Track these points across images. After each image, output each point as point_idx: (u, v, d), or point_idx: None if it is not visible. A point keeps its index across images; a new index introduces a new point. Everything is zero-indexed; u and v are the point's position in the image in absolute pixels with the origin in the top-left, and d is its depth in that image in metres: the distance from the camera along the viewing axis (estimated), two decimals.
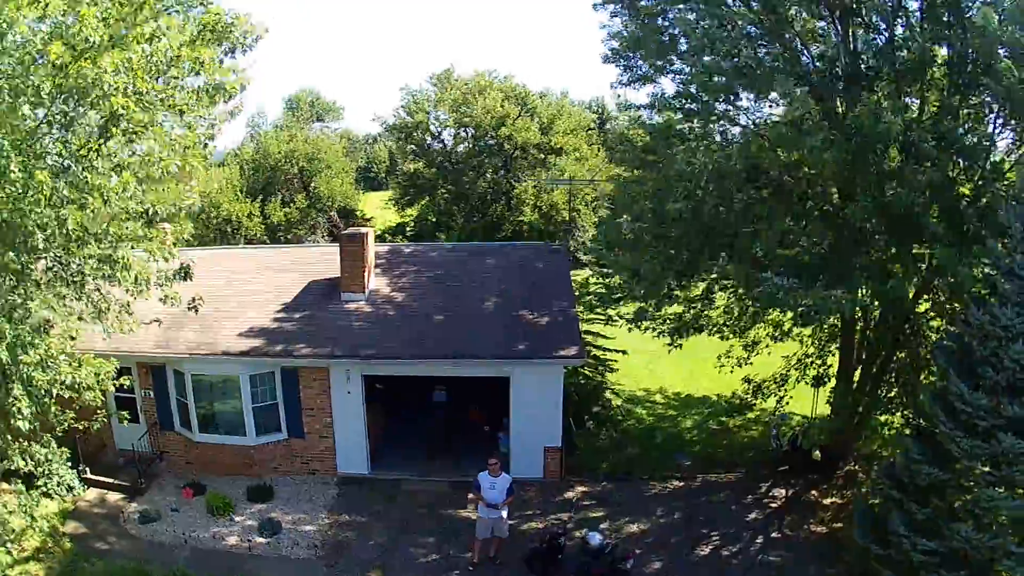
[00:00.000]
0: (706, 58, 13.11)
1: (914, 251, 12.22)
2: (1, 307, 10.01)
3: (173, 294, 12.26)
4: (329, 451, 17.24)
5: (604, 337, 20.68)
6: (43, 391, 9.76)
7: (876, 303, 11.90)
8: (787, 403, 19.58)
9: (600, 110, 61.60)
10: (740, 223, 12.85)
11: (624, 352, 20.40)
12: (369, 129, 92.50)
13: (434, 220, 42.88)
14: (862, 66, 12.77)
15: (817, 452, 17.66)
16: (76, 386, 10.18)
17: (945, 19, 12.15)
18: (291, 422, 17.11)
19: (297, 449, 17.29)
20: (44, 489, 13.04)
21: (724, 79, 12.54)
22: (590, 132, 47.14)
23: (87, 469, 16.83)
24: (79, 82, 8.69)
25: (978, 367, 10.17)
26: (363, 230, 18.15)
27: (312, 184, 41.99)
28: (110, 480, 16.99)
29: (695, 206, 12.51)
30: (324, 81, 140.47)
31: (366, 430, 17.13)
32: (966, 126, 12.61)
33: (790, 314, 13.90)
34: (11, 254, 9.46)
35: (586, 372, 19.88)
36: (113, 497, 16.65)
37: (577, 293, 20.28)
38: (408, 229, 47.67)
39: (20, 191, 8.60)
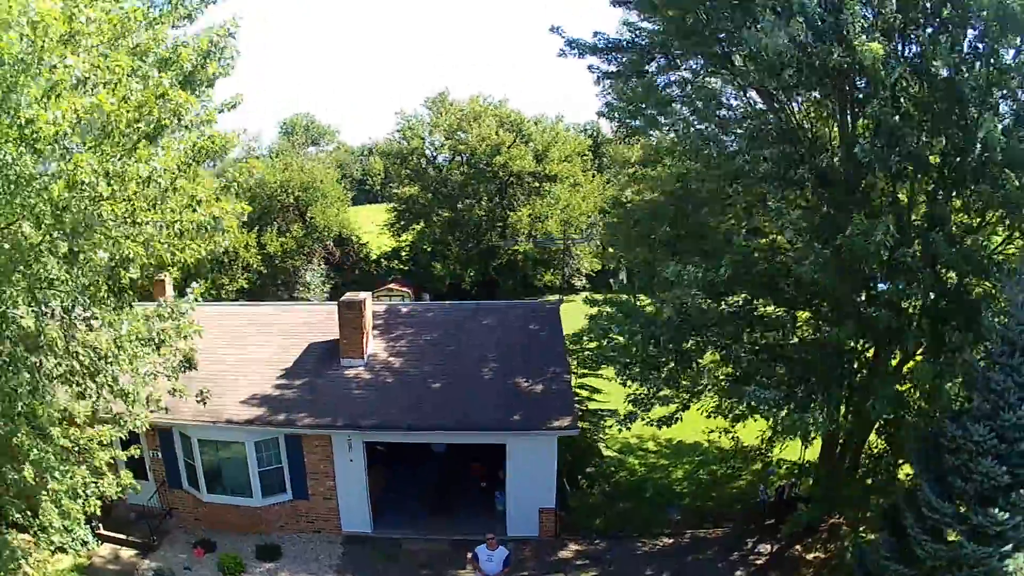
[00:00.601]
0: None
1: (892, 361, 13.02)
2: (20, 411, 10.66)
3: (181, 387, 13.04)
4: (333, 512, 18.00)
5: (598, 391, 21.49)
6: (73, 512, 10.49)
7: (851, 418, 12.68)
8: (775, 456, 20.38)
9: (595, 134, 62.39)
10: (727, 329, 13.68)
11: (615, 411, 21.13)
12: (364, 139, 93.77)
13: (429, 249, 43.65)
14: (859, 157, 13.40)
15: (803, 506, 18.47)
16: (102, 496, 10.97)
17: (944, 110, 12.78)
18: (296, 484, 17.86)
19: (302, 509, 18.05)
20: (59, 543, 13.82)
21: (715, 184, 13.40)
22: (584, 158, 47.91)
23: (100, 524, 17.50)
24: (78, 218, 9.16)
25: (949, 475, 10.99)
26: (361, 296, 18.83)
27: (308, 213, 42.68)
28: (123, 536, 17.64)
29: (683, 311, 13.33)
30: (319, 90, 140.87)
31: (368, 492, 17.90)
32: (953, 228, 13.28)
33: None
34: (25, 374, 10.10)
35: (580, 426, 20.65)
36: (126, 553, 17.34)
37: (571, 346, 21.04)
38: (403, 254, 48.48)
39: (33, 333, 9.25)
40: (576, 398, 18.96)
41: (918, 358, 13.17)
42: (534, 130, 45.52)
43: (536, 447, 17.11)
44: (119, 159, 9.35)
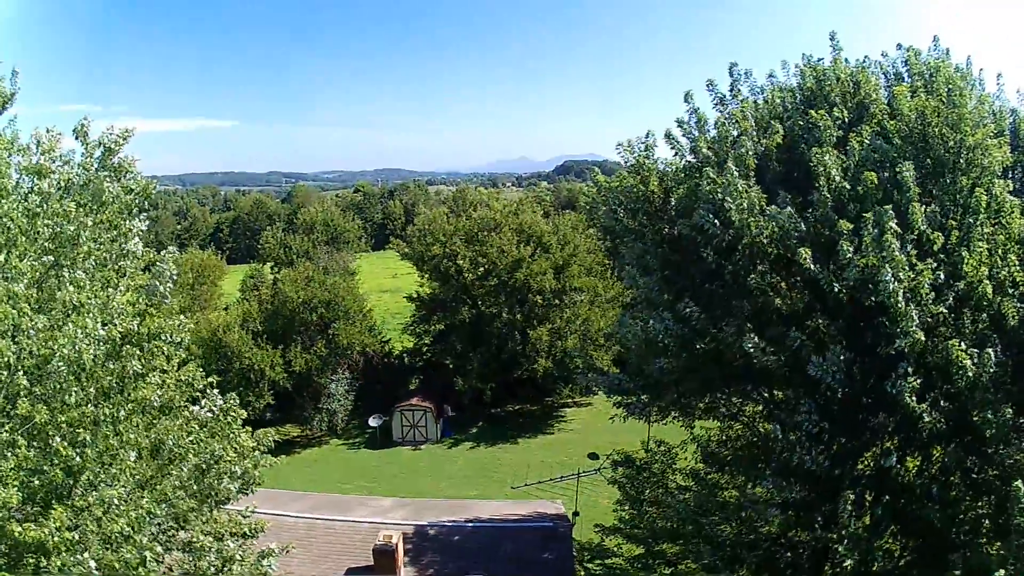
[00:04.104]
0: None
1: None
2: None
3: None
4: None
5: None
6: None
7: None
8: None
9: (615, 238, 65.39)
10: None
11: None
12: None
13: (452, 365, 47.31)
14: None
15: None
16: None
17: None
18: None
19: None
20: None
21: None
22: (604, 268, 51.13)
23: None
24: None
25: None
26: (394, 541, 22.38)
27: (331, 329, 46.44)
28: None
29: None
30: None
31: None
32: None
33: None
34: None
35: None
36: None
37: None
38: (425, 350, 52.45)
39: None
40: None
41: None
42: (553, 241, 48.83)
43: None
44: None
